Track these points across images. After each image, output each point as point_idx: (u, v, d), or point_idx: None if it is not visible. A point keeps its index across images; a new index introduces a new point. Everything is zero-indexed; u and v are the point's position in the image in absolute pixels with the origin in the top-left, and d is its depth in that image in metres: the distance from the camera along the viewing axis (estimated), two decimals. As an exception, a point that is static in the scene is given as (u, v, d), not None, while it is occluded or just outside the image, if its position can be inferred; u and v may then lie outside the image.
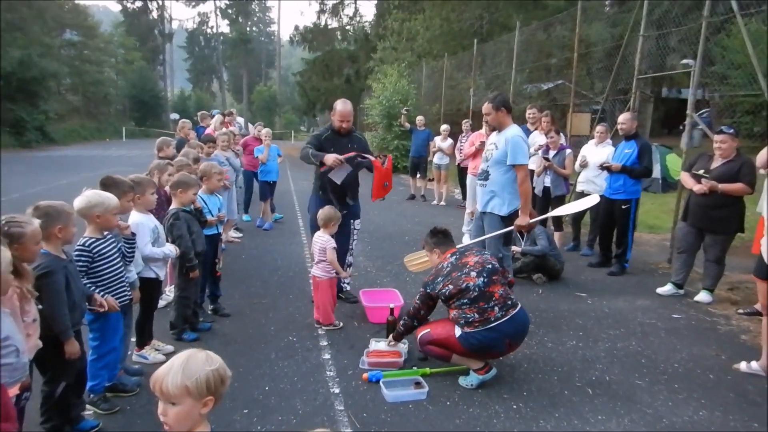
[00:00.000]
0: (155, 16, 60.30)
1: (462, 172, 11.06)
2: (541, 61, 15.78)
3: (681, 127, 20.91)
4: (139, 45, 52.82)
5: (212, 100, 63.70)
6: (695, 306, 5.19)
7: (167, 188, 4.50)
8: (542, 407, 3.31)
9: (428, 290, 3.57)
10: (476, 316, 3.37)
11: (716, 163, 5.13)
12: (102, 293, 2.97)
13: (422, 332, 3.62)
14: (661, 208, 10.14)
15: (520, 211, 4.61)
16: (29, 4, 31.38)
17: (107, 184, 3.23)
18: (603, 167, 6.13)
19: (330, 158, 4.62)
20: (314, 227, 4.78)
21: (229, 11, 65.78)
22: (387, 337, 4.15)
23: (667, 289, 5.52)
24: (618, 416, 3.22)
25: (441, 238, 3.79)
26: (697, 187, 5.12)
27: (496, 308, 3.39)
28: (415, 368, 3.73)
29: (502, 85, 17.26)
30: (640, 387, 3.59)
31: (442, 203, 11.34)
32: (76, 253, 2.89)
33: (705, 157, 5.33)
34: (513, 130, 4.60)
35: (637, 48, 7.35)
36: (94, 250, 2.95)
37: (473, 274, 3.45)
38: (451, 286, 3.44)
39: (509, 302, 3.46)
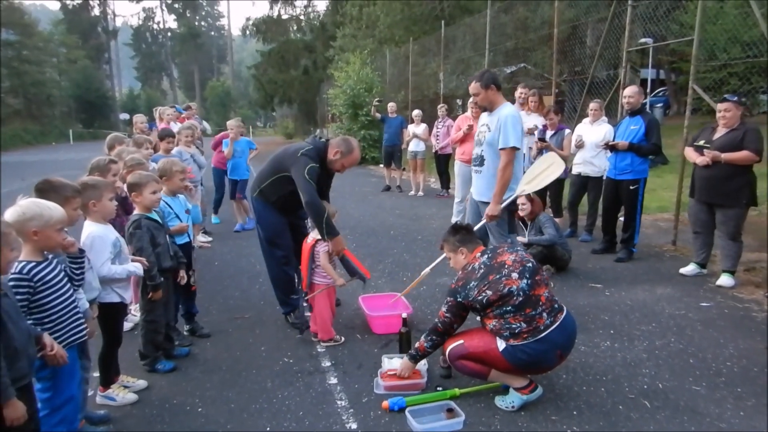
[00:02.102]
0: (97, 13, 57.69)
1: (439, 159, 10.56)
2: (503, 43, 15.39)
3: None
4: (82, 43, 50.18)
5: (163, 98, 61.25)
6: (720, 291, 4.80)
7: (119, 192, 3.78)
8: (600, 429, 2.79)
9: (459, 299, 2.96)
10: (524, 325, 2.81)
11: (719, 134, 4.89)
12: (51, 332, 2.27)
13: (453, 345, 3.03)
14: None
15: (493, 199, 4.08)
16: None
17: (44, 190, 2.52)
18: (608, 146, 5.67)
19: (340, 248, 3.91)
20: (270, 242, 4.19)
21: (176, 6, 63.58)
22: (400, 351, 3.58)
23: (690, 269, 5.23)
24: (690, 434, 2.74)
25: (465, 234, 3.19)
26: (699, 159, 4.87)
27: (545, 314, 2.85)
28: (440, 389, 3.16)
29: (467, 69, 16.86)
30: (700, 394, 3.12)
31: (420, 193, 10.78)
32: (12, 283, 2.17)
33: (708, 129, 5.07)
34: (507, 109, 4.10)
35: (626, 19, 6.93)
36: (36, 278, 2.25)
37: (514, 275, 2.88)
38: (489, 292, 2.86)
39: (555, 306, 2.93)
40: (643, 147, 5.51)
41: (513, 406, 2.95)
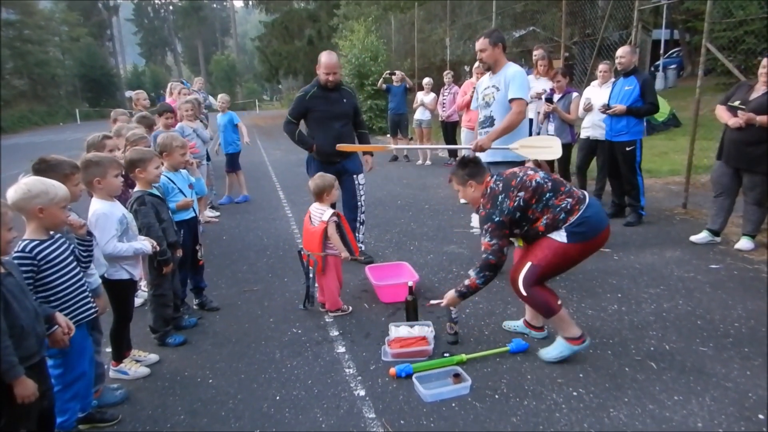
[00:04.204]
0: (97, -13, 56.85)
1: (446, 127, 10.45)
2: (511, 6, 15.02)
3: (652, 68, 20.68)
4: (84, 20, 49.63)
5: (168, 74, 60.94)
6: (730, 253, 4.76)
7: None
8: (606, 391, 2.81)
9: (497, 218, 2.92)
10: (569, 200, 2.91)
11: (756, 93, 4.58)
12: (58, 311, 2.30)
13: (522, 272, 2.96)
14: (651, 151, 9.72)
15: (491, 133, 4.19)
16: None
17: (42, 169, 2.51)
18: (605, 111, 5.57)
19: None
20: None
21: (177, -22, 62.57)
22: (407, 320, 3.61)
23: (702, 236, 5.08)
24: (696, 394, 2.74)
25: (473, 167, 3.17)
26: (731, 121, 4.62)
27: (574, 189, 3.01)
28: (447, 355, 3.19)
29: (474, 34, 16.54)
30: (707, 355, 3.12)
31: (428, 162, 10.73)
32: (16, 262, 2.18)
33: (745, 87, 4.75)
34: (513, 67, 4.21)
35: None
36: (39, 256, 2.26)
37: (530, 172, 3.02)
38: (521, 193, 2.91)
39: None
40: (641, 108, 5.45)
41: (562, 356, 3.03)
